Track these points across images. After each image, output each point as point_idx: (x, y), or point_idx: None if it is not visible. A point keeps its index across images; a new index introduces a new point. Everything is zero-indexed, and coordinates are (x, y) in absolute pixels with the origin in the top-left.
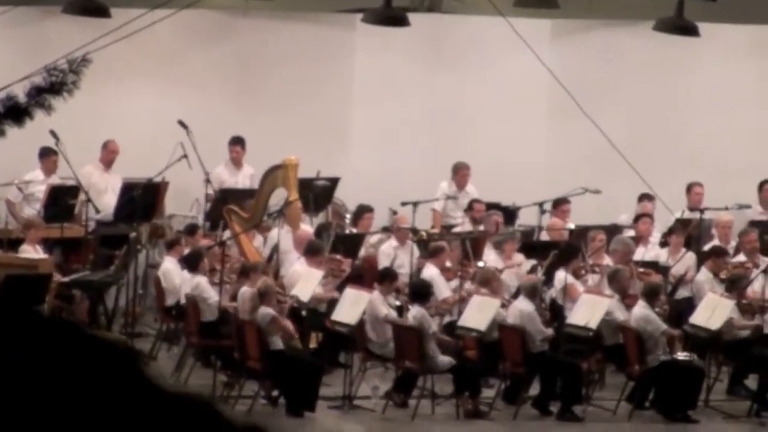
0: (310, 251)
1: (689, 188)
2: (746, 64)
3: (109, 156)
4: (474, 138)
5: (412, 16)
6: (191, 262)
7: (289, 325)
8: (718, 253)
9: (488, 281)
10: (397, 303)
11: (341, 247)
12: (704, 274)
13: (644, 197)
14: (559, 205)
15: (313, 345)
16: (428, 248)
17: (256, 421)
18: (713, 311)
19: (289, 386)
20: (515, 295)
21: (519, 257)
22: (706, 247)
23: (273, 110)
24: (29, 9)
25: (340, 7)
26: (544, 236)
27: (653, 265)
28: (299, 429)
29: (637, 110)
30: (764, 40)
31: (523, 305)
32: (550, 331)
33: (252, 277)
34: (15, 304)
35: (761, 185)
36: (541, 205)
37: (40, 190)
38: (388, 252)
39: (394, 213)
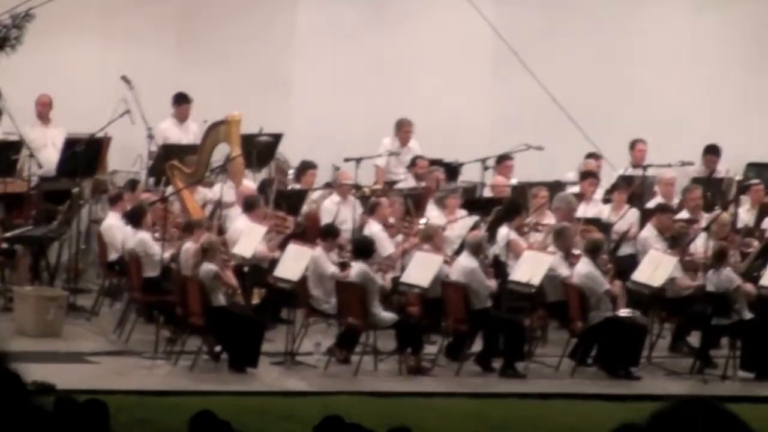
0: (248, 206)
1: (632, 145)
2: (690, 20)
3: (39, 109)
4: (417, 94)
5: None
6: (134, 218)
7: (232, 279)
8: (663, 210)
9: (430, 237)
10: (340, 259)
11: (284, 204)
12: (649, 231)
13: (590, 156)
14: (503, 161)
15: (255, 301)
16: (368, 204)
17: None
18: (656, 268)
19: (231, 342)
20: (458, 252)
21: (462, 213)
22: (650, 204)
23: (216, 65)
24: None
25: None
26: (487, 193)
27: (596, 222)
28: (242, 384)
29: (581, 67)
30: None
31: (467, 262)
32: (493, 284)
33: (195, 233)
34: None
35: (705, 151)
36: (483, 161)
37: None
38: (331, 208)
39: (337, 169)
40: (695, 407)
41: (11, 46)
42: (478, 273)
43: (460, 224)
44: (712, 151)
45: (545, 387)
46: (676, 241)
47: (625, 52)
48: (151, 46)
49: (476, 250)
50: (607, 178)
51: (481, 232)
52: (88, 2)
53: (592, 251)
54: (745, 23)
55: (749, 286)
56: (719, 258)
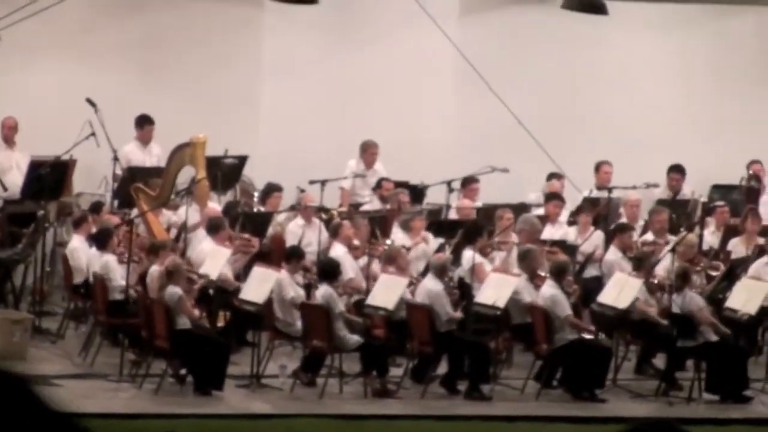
0: (212, 228)
1: (598, 167)
2: (654, 42)
3: (4, 132)
4: (382, 116)
5: None
6: (100, 240)
7: (194, 311)
8: (623, 229)
9: (395, 259)
10: (305, 281)
11: (249, 226)
12: (613, 253)
13: (553, 176)
14: (468, 184)
15: (220, 323)
16: (332, 227)
17: None
18: (621, 290)
19: (196, 365)
20: (423, 274)
21: (427, 236)
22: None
23: (182, 88)
24: None
25: None
26: (453, 215)
27: (561, 244)
28: (207, 407)
29: (545, 89)
30: (671, 18)
31: (431, 284)
32: (458, 314)
33: (161, 256)
34: None
35: (669, 171)
36: (449, 183)
37: None
38: (296, 231)
39: (302, 191)
40: (660, 429)
41: None
42: (443, 296)
43: (425, 247)
44: (676, 170)
45: (510, 409)
46: (641, 263)
47: (589, 74)
48: (116, 69)
49: (441, 272)
50: (572, 200)
51: (446, 254)
52: (53, 25)
53: (558, 274)
54: (710, 46)
55: (708, 316)
56: (682, 279)
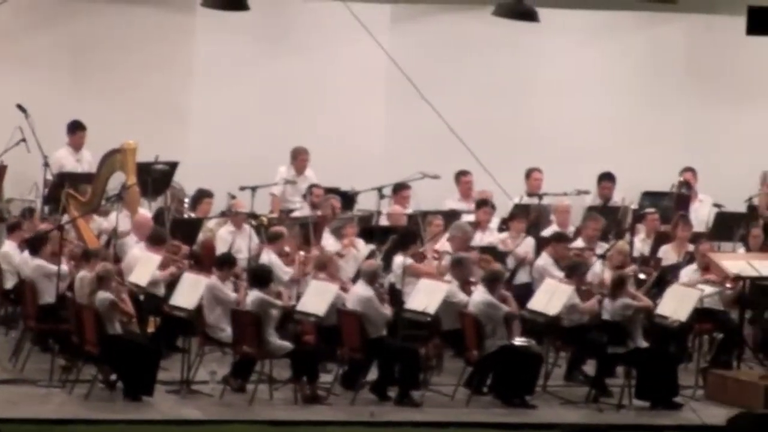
0: (154, 240)
1: (528, 174)
2: (585, 50)
3: None
4: (313, 123)
5: (252, 0)
6: (34, 246)
7: (129, 306)
8: (560, 239)
9: (325, 266)
10: (235, 288)
11: (179, 232)
12: (544, 259)
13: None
14: (400, 191)
15: (150, 329)
16: (268, 234)
17: None
18: (551, 297)
19: (126, 370)
20: (354, 280)
21: (358, 242)
22: (546, 233)
23: (113, 94)
24: None
25: None
26: (384, 221)
27: (492, 251)
28: (137, 413)
29: (477, 96)
30: (602, 26)
31: (362, 290)
32: (389, 311)
33: (91, 262)
34: None
35: (600, 179)
36: (380, 190)
37: None
38: (226, 237)
39: (232, 198)
40: None
41: None
42: (374, 301)
43: (356, 253)
44: (607, 178)
45: (441, 416)
46: (573, 269)
47: (521, 81)
48: (46, 74)
49: (371, 278)
50: (503, 207)
51: (377, 260)
52: None
53: (491, 281)
54: (641, 55)
55: (645, 300)
56: (617, 286)
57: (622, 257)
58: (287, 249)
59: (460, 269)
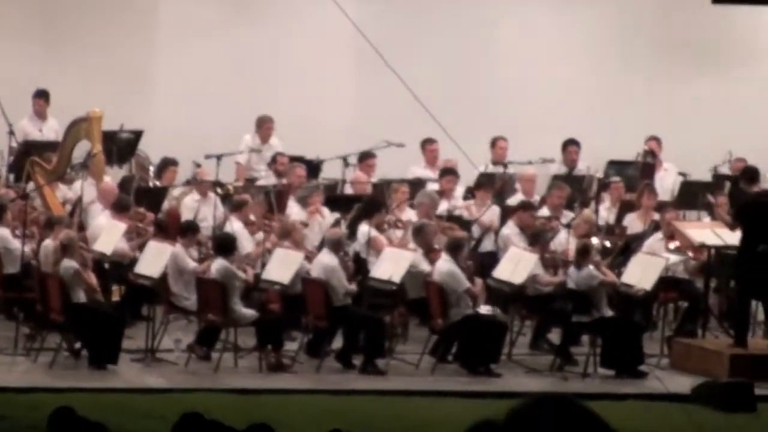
0: (118, 207)
1: (493, 143)
2: (550, 18)
3: None
4: (278, 91)
5: None
6: None
7: (92, 278)
8: (526, 207)
9: (290, 234)
10: (200, 256)
11: (144, 200)
12: (510, 228)
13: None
14: (365, 159)
15: (115, 298)
16: (232, 202)
17: None
18: (516, 265)
19: (91, 339)
20: (319, 248)
21: (323, 210)
22: (511, 201)
23: (78, 62)
24: None
25: None
26: (349, 189)
27: (457, 220)
28: (102, 381)
29: (443, 65)
30: None
31: (327, 259)
32: (353, 287)
33: (56, 230)
34: None
35: (564, 145)
36: (345, 158)
37: None
38: (192, 205)
39: (198, 166)
40: (553, 404)
41: None
42: (338, 271)
43: (321, 221)
44: (572, 143)
45: (406, 384)
46: (537, 238)
47: (486, 50)
48: (10, 43)
49: (336, 246)
50: (468, 175)
51: (341, 229)
52: None
53: (453, 249)
54: (607, 23)
55: (610, 275)
56: (582, 255)
57: (588, 226)
58: (252, 217)
59: (422, 236)
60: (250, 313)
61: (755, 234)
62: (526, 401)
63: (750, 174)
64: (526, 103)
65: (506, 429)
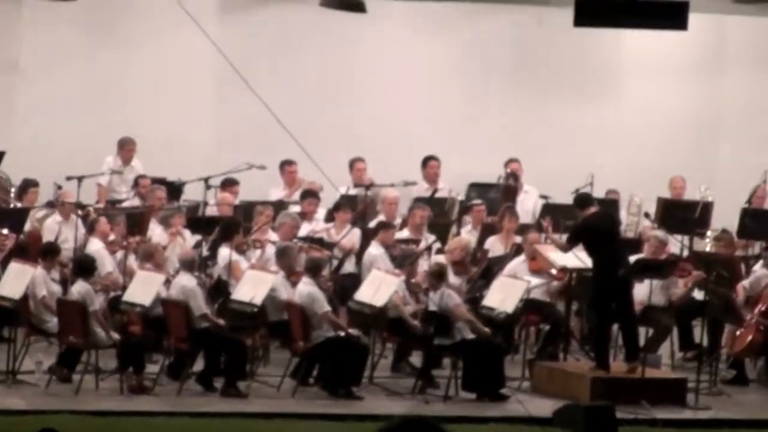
0: None
1: (351, 164)
2: (412, 41)
3: None
4: (141, 113)
5: None
6: None
7: None
8: (386, 226)
9: (151, 256)
10: (60, 278)
11: (6, 222)
12: (375, 248)
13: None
14: (227, 186)
15: None
16: (88, 223)
17: None
18: (378, 288)
19: None
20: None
21: (184, 232)
22: (373, 224)
23: None
24: None
25: None
26: (213, 211)
27: (318, 241)
28: None
29: (305, 87)
30: (429, 17)
31: (185, 280)
32: (210, 310)
33: None
34: None
35: (425, 161)
36: (206, 180)
37: None
38: (53, 227)
39: (59, 187)
40: (416, 427)
41: None
42: (197, 291)
43: (182, 243)
44: (431, 159)
45: (267, 406)
46: (402, 260)
47: (348, 72)
48: None
49: (190, 266)
50: (329, 197)
51: (199, 250)
52: None
53: (313, 270)
54: (468, 46)
55: (465, 313)
56: (437, 277)
57: (464, 253)
58: (112, 238)
59: (284, 259)
60: (111, 335)
61: (601, 255)
62: (389, 425)
63: (581, 201)
64: (388, 126)
65: None
